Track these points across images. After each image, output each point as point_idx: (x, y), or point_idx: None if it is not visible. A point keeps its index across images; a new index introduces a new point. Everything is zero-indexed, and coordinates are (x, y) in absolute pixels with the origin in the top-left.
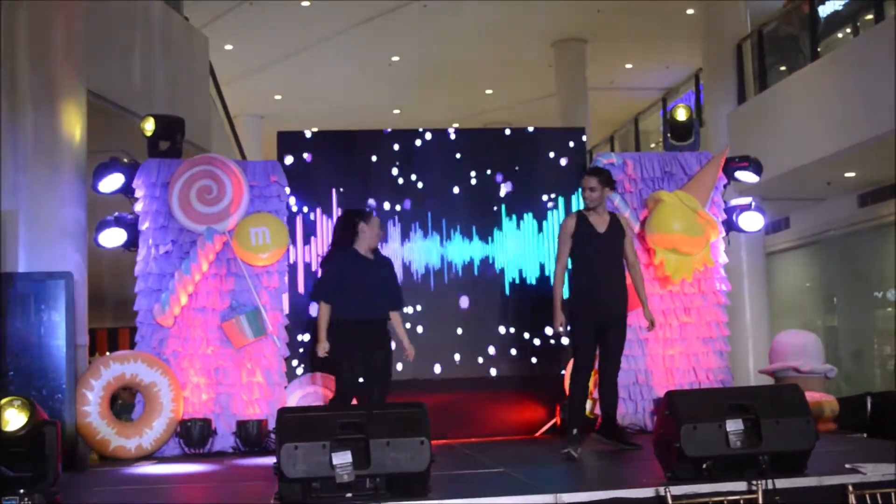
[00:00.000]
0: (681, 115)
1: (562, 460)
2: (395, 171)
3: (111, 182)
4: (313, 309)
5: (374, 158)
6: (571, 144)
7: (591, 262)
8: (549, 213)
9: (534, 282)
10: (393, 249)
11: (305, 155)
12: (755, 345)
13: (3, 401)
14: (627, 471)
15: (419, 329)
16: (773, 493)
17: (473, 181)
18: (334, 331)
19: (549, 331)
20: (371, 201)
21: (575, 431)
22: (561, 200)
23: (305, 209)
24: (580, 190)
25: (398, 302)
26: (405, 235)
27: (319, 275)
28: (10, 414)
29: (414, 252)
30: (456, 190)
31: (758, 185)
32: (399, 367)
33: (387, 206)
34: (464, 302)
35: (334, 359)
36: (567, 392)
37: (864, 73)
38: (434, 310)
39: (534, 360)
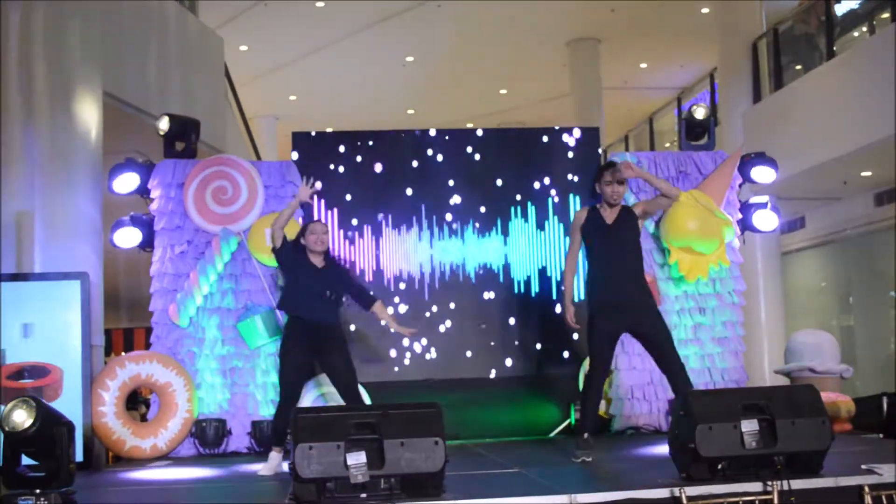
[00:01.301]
0: (700, 113)
1: (574, 461)
2: (409, 171)
3: (127, 182)
4: None
5: (388, 159)
6: (586, 144)
7: (600, 255)
8: (566, 212)
9: (549, 280)
10: (408, 249)
11: (320, 155)
12: (770, 345)
13: (12, 402)
14: (642, 471)
15: (431, 329)
16: (789, 493)
17: (488, 180)
18: (286, 327)
19: (564, 330)
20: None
21: (586, 436)
22: (577, 200)
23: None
24: (602, 184)
25: (368, 302)
26: (422, 235)
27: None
28: (18, 415)
29: (429, 252)
30: (471, 189)
31: (773, 184)
32: (416, 368)
33: (402, 205)
34: (478, 301)
35: (280, 358)
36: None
37: (880, 71)
38: (449, 310)
39: (548, 359)
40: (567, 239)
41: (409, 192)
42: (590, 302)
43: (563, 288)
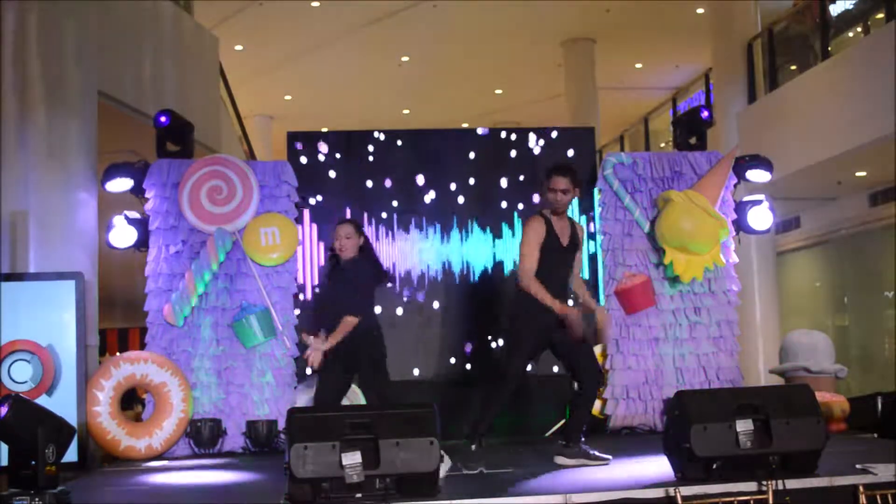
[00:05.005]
0: (705, 114)
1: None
2: (403, 172)
3: (120, 185)
4: None
5: (383, 159)
6: (581, 144)
7: (548, 268)
8: None
9: None
10: (404, 250)
11: (316, 154)
12: (765, 344)
13: None
14: (637, 471)
15: (428, 329)
16: (784, 493)
17: (483, 181)
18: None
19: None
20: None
21: (583, 438)
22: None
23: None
24: (547, 189)
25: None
26: (416, 235)
27: None
28: None
29: (422, 252)
30: (466, 190)
31: (768, 184)
32: (415, 370)
33: (396, 205)
34: (475, 302)
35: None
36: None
37: (875, 71)
38: (445, 309)
39: (544, 360)
40: None
41: (405, 192)
42: (531, 306)
43: (537, 293)
